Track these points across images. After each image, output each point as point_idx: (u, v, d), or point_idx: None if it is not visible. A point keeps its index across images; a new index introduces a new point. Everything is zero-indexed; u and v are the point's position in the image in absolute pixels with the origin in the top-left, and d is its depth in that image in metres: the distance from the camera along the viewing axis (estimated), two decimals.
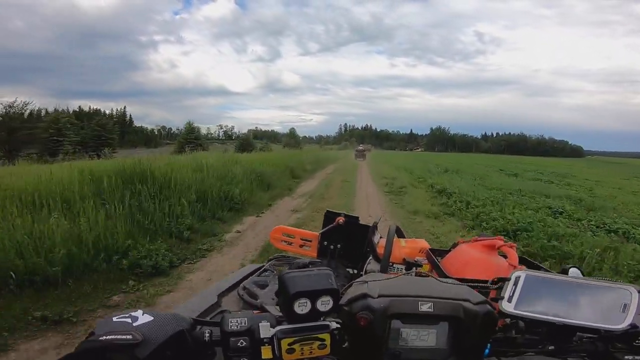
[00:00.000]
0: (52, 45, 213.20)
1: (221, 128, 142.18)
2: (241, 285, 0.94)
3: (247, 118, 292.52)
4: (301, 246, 1.16)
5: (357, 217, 1.14)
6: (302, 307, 0.53)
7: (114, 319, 0.50)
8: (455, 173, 16.54)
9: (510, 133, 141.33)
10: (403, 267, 1.05)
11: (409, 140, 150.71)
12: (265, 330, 0.54)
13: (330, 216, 1.15)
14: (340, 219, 1.12)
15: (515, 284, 0.63)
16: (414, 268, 1.02)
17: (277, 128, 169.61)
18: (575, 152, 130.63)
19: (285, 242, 1.18)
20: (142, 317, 0.51)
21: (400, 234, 1.15)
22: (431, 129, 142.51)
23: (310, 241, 1.16)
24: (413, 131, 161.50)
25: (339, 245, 1.12)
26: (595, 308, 0.60)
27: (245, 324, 0.54)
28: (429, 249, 1.05)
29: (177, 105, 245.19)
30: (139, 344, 0.46)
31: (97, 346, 0.45)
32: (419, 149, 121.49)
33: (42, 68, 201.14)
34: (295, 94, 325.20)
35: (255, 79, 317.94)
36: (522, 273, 0.64)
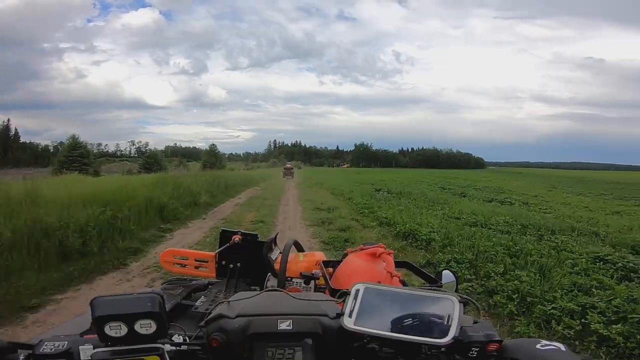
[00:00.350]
0: None
1: (133, 144, 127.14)
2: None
3: (167, 134, 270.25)
4: (197, 267, 1.15)
5: (256, 235, 1.15)
6: (115, 330, 0.53)
7: None
8: (401, 196, 13.76)
9: (423, 147, 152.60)
10: (302, 281, 1.05)
11: (335, 156, 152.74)
12: (86, 352, 0.54)
13: (226, 235, 1.15)
14: (237, 237, 1.13)
15: (356, 297, 0.63)
16: (312, 282, 1.04)
17: (201, 145, 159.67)
18: (478, 163, 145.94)
19: (179, 264, 1.16)
20: None
21: (299, 248, 1.18)
22: (355, 145, 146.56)
23: (207, 262, 1.15)
24: (339, 147, 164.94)
25: (239, 264, 1.12)
26: (425, 320, 0.61)
27: (62, 347, 0.54)
28: (322, 261, 1.07)
29: (85, 119, 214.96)
30: None
31: None
32: (346, 165, 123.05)
33: None
34: (221, 109, 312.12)
35: (177, 92, 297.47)
36: (362, 286, 0.64)
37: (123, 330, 0.53)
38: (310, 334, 0.61)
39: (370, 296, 0.63)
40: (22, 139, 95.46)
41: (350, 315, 0.61)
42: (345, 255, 1.06)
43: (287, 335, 0.60)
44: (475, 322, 0.66)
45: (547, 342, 0.60)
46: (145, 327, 0.53)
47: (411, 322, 0.61)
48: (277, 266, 1.03)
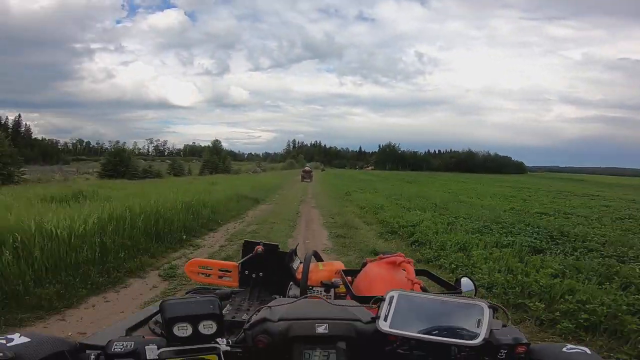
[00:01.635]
0: None
1: (151, 143, 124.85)
2: (153, 319, 0.90)
3: (190, 134, 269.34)
4: (220, 277, 1.20)
5: (277, 245, 1.19)
6: (182, 330, 0.59)
7: None
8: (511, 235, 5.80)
9: (452, 149, 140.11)
10: (322, 289, 1.07)
11: (358, 158, 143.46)
12: (151, 352, 0.58)
13: (248, 246, 1.19)
14: (259, 248, 1.17)
15: (390, 303, 0.67)
16: (332, 290, 1.06)
17: (224, 145, 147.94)
18: (519, 168, 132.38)
19: (203, 274, 1.21)
20: (18, 339, 0.55)
21: (318, 257, 1.23)
22: (379, 146, 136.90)
23: (230, 272, 1.19)
24: (362, 148, 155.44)
25: (260, 274, 1.16)
26: (456, 324, 0.64)
27: (130, 347, 0.59)
28: (342, 270, 1.11)
29: (112, 118, 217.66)
30: None
31: None
32: (370, 167, 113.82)
33: None
34: (243, 110, 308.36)
35: (201, 92, 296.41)
36: (396, 293, 0.68)
37: (188, 330, 0.59)
38: (344, 337, 0.64)
39: (404, 302, 0.67)
40: (34, 136, 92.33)
41: (385, 319, 0.65)
42: (365, 264, 1.12)
43: (323, 338, 0.64)
44: (503, 327, 0.69)
45: (573, 346, 0.62)
46: (208, 327, 0.59)
47: (443, 325, 0.64)
48: (298, 275, 1.11)
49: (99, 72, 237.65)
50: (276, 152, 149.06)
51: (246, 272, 1.17)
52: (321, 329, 0.64)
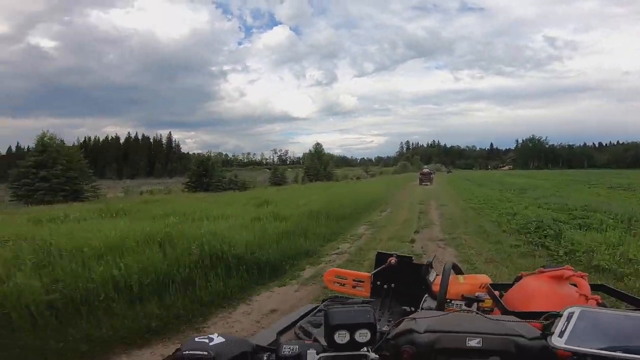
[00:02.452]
0: (138, 78, 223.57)
1: (275, 153, 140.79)
2: (297, 324, 0.95)
3: (310, 142, 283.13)
4: (354, 287, 1.20)
5: (411, 257, 1.18)
6: (341, 337, 0.62)
7: (196, 339, 0.62)
8: None
9: (618, 142, 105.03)
10: (462, 303, 1.03)
11: (489, 157, 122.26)
12: (312, 356, 0.62)
13: (381, 257, 1.19)
14: (393, 259, 1.16)
15: (568, 319, 0.63)
16: (475, 304, 1.01)
17: (338, 152, 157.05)
18: None
19: (339, 283, 1.22)
20: (217, 339, 0.61)
21: (457, 270, 1.16)
22: (516, 141, 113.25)
23: (363, 282, 1.19)
24: (494, 145, 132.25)
25: (392, 285, 1.16)
26: None
27: (296, 350, 0.63)
28: (490, 284, 1.03)
29: (247, 133, 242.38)
30: (211, 359, 0.57)
31: (180, 358, 0.58)
32: (507, 167, 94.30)
33: (132, 99, 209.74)
34: (353, 116, 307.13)
35: (315, 103, 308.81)
36: (577, 309, 0.65)
37: (346, 337, 0.61)
38: (500, 352, 0.61)
39: (586, 318, 0.63)
40: (182, 150, 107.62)
41: (560, 336, 0.61)
42: (519, 278, 1.03)
43: (473, 352, 0.61)
44: None
45: None
46: (363, 335, 0.62)
47: (633, 345, 0.58)
48: (434, 287, 1.07)
49: (233, 91, 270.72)
50: (389, 155, 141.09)
51: (378, 282, 1.17)
52: (473, 343, 0.61)
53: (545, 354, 0.60)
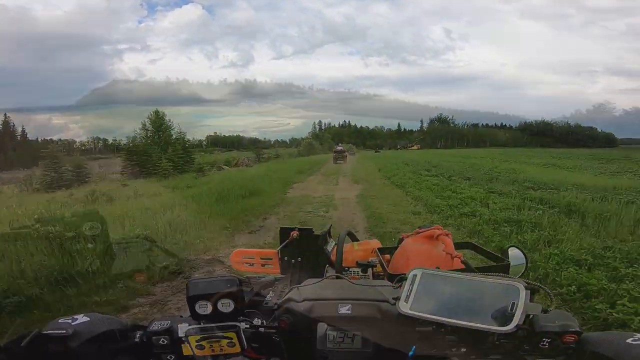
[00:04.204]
0: (11, 58, 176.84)
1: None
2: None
3: (223, 126, 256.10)
4: (263, 265, 1.18)
5: (311, 229, 1.15)
6: (202, 308, 0.61)
7: (60, 320, 0.61)
8: None
9: (523, 122, 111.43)
10: (359, 270, 1.04)
11: (398, 137, 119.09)
12: (182, 329, 0.63)
13: (285, 232, 1.15)
14: (294, 233, 1.13)
15: (412, 282, 0.63)
16: (370, 270, 1.02)
17: (255, 134, 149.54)
18: (607, 140, 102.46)
19: (247, 264, 1.19)
20: (81, 319, 0.61)
21: (353, 237, 1.20)
22: (421, 122, 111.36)
23: (271, 259, 1.16)
24: (401, 126, 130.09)
25: (299, 259, 1.13)
26: (487, 306, 0.58)
27: (166, 325, 0.64)
28: (378, 248, 1.08)
29: (147, 116, 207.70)
30: (70, 337, 0.58)
31: (39, 336, 0.58)
32: (414, 146, 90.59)
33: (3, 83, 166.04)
34: (271, 98, 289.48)
35: (229, 85, 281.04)
36: (419, 271, 0.64)
37: (208, 308, 0.61)
38: (367, 318, 0.61)
39: (428, 281, 0.62)
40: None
41: (406, 301, 0.61)
42: (401, 240, 1.07)
43: (347, 319, 0.61)
44: (546, 311, 0.60)
45: None
46: (226, 305, 0.61)
47: (471, 308, 0.58)
48: (333, 257, 1.06)
49: (130, 72, 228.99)
50: (303, 137, 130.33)
51: (285, 258, 1.13)
52: (344, 310, 0.61)
53: (406, 319, 0.59)
